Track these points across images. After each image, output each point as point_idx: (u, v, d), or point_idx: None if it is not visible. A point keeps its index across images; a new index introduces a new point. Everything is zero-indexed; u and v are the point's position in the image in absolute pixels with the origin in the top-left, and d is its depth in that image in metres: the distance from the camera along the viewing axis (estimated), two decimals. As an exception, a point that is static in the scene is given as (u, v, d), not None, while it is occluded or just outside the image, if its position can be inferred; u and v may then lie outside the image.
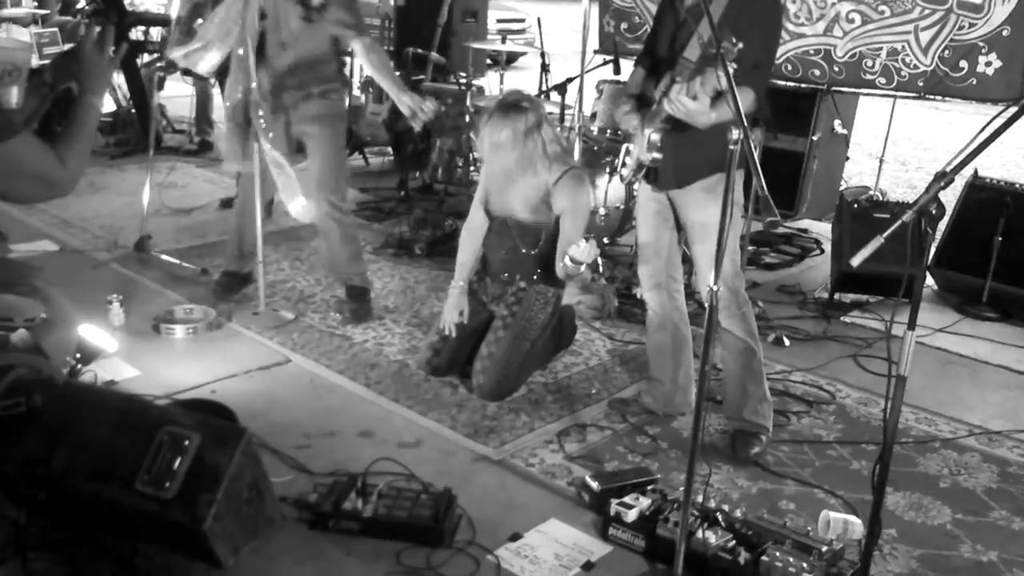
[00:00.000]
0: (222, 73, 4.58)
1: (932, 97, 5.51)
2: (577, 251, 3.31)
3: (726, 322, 3.47)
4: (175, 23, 5.11)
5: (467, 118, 6.54)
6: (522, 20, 14.41)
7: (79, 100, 2.68)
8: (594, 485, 3.16)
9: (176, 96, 8.55)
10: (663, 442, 3.63)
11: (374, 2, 8.84)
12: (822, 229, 6.29)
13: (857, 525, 2.89)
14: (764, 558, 2.72)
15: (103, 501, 2.61)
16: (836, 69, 5.80)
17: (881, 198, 5.41)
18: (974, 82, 5.29)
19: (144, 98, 7.82)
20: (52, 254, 5.36)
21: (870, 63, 5.65)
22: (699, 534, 2.80)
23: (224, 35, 4.20)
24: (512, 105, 3.78)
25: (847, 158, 6.77)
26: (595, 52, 6.64)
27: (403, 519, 2.90)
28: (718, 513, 2.93)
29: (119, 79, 8.16)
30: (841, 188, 6.29)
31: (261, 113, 4.21)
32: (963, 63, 5.28)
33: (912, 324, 2.22)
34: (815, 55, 5.88)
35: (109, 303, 4.35)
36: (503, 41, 6.88)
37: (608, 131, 5.55)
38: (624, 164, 3.63)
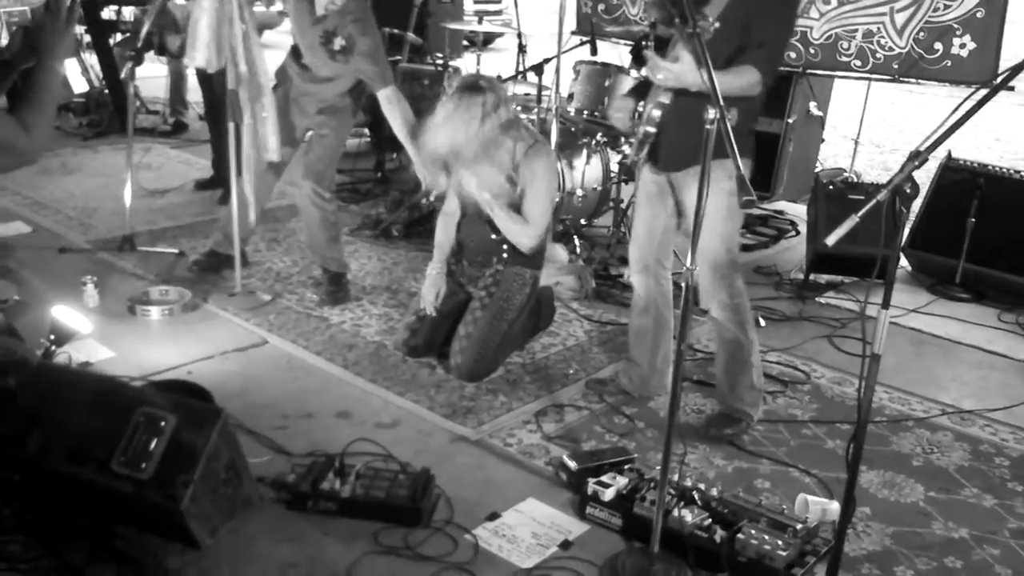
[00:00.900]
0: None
1: (907, 80, 5.54)
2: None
3: (717, 312, 3.46)
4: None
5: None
6: (499, 1, 14.34)
7: (39, 65, 2.61)
8: (571, 464, 3.17)
9: (150, 76, 8.45)
10: (640, 422, 3.65)
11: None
12: (798, 211, 6.32)
13: (834, 508, 2.92)
14: (740, 536, 2.74)
15: (79, 483, 2.60)
16: (812, 51, 5.81)
17: (856, 180, 5.45)
18: (948, 64, 5.31)
19: (117, 78, 7.74)
20: (25, 235, 5.31)
21: (845, 45, 5.67)
22: (675, 513, 2.82)
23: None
24: (470, 87, 3.74)
25: (823, 140, 6.80)
26: (572, 33, 6.62)
27: (381, 499, 2.90)
28: (694, 492, 2.95)
29: (91, 59, 8.08)
30: (816, 170, 6.33)
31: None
32: (938, 45, 5.30)
33: (886, 303, 2.24)
34: (791, 37, 5.89)
35: (83, 284, 4.31)
36: (480, 22, 6.85)
37: (585, 112, 5.54)
38: (630, 145, 3.57)
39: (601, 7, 6.76)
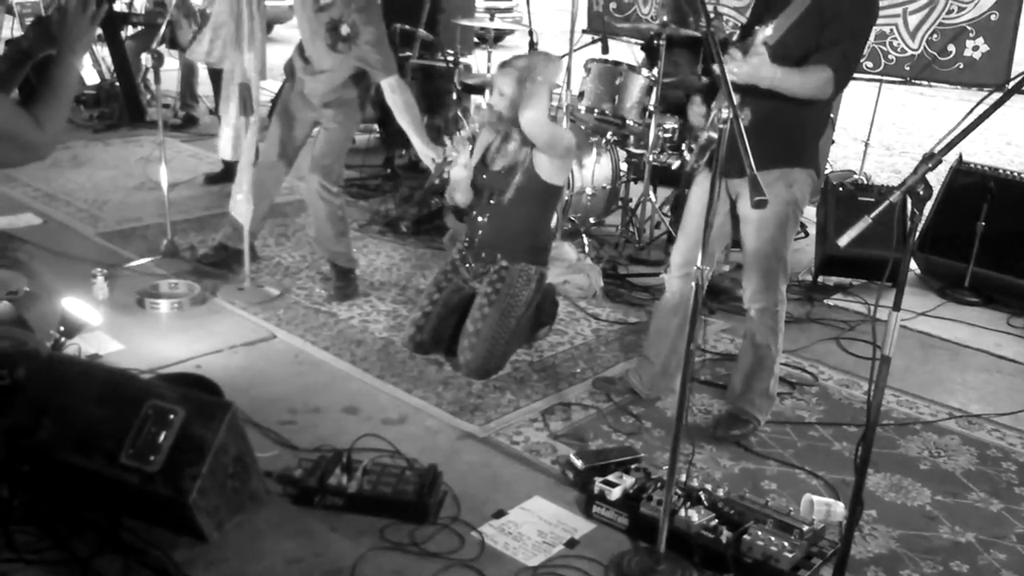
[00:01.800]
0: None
1: (918, 82, 5.52)
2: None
3: (756, 315, 3.48)
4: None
5: (454, 96, 6.51)
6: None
7: (57, 60, 2.59)
8: (578, 463, 3.17)
9: (162, 70, 8.45)
10: (647, 421, 3.65)
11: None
12: (807, 212, 6.28)
13: (839, 508, 2.92)
14: (746, 537, 2.74)
15: (87, 474, 2.61)
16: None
17: (866, 182, 5.44)
18: (961, 67, 5.30)
19: (128, 71, 7.76)
20: (36, 227, 5.32)
21: (858, 46, 5.64)
22: (682, 513, 2.82)
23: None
24: (517, 57, 3.87)
25: (832, 142, 6.77)
26: (583, 31, 6.62)
27: (388, 495, 2.90)
28: (701, 492, 2.95)
29: (103, 52, 8.08)
30: (826, 172, 6.31)
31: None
32: (951, 47, 5.29)
33: (897, 305, 2.23)
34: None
35: (93, 276, 4.32)
36: (491, 19, 6.86)
37: (595, 110, 5.54)
38: (691, 150, 3.52)
39: (613, 5, 6.76)
